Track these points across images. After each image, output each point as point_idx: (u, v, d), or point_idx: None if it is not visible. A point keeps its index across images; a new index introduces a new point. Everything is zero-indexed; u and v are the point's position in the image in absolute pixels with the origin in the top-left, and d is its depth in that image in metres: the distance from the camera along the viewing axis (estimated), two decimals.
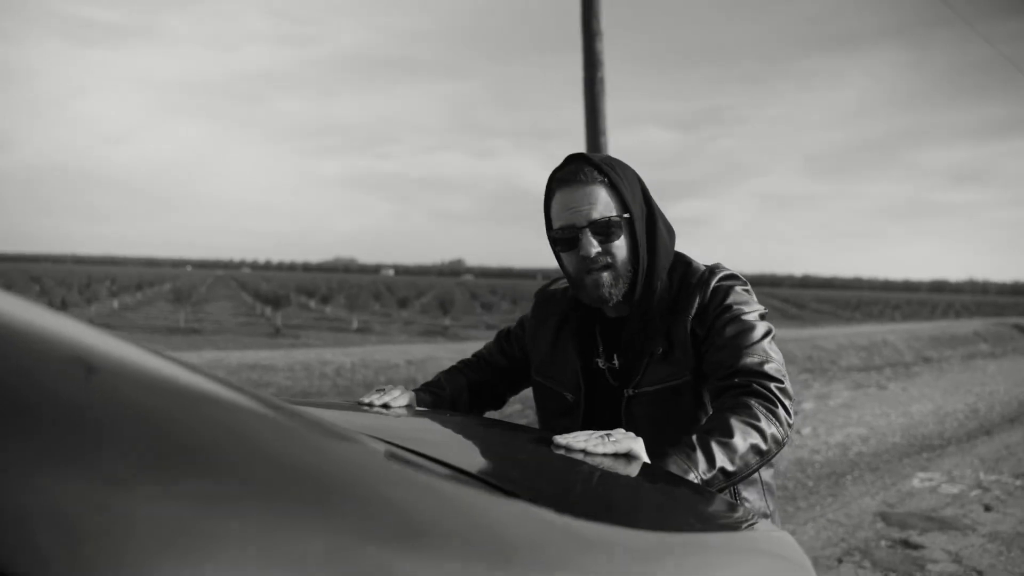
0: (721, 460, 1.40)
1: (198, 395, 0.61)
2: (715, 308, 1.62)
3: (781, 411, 1.51)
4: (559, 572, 0.67)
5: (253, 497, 0.51)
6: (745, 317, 1.61)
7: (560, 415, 1.77)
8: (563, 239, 1.65)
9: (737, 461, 1.42)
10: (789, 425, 1.52)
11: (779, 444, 1.49)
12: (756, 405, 1.49)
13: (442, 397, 1.86)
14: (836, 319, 35.93)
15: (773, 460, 1.55)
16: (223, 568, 0.44)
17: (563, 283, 1.87)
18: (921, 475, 5.50)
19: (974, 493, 5.02)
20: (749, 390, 1.52)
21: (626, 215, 1.63)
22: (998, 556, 3.81)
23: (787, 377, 1.57)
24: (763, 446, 1.45)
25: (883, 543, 3.98)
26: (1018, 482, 5.34)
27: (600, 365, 1.75)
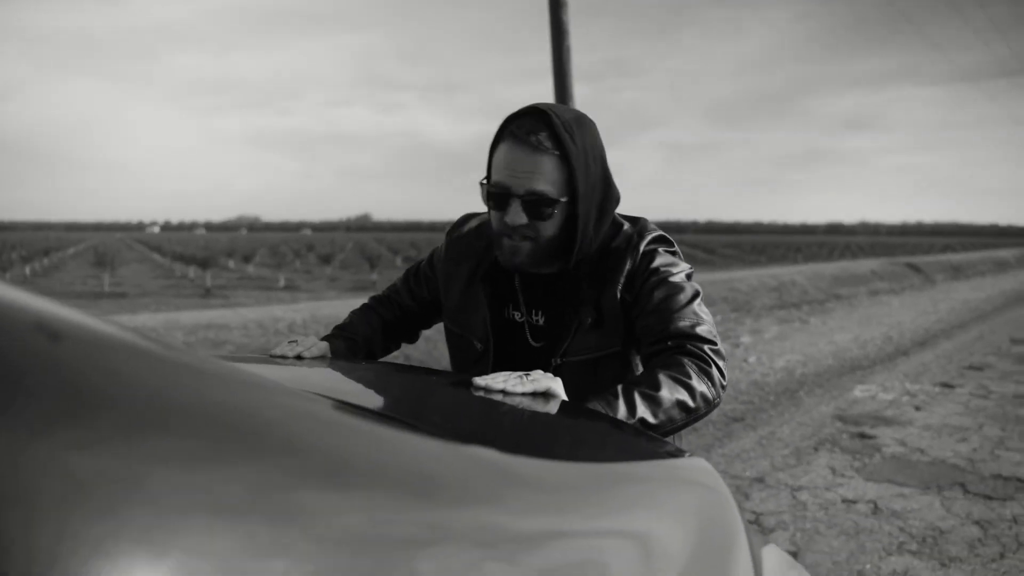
0: (642, 411, 1.36)
1: (119, 346, 0.58)
2: (643, 273, 1.57)
3: (715, 371, 1.47)
4: (479, 503, 0.69)
5: (175, 445, 0.49)
6: (673, 279, 1.56)
7: (470, 363, 1.71)
8: (494, 195, 1.53)
9: (660, 415, 1.38)
10: (723, 387, 1.49)
11: (709, 403, 1.45)
12: (689, 363, 1.46)
13: (356, 341, 1.79)
14: (743, 263, 37.66)
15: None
16: (148, 510, 0.42)
17: (476, 222, 1.79)
18: (860, 387, 6.56)
19: (905, 399, 6.09)
20: (683, 351, 1.49)
21: (564, 199, 1.51)
22: (932, 440, 4.90)
23: (719, 339, 1.54)
24: (691, 403, 1.41)
25: (844, 436, 5.00)
26: (937, 390, 6.45)
27: (516, 319, 1.69)
